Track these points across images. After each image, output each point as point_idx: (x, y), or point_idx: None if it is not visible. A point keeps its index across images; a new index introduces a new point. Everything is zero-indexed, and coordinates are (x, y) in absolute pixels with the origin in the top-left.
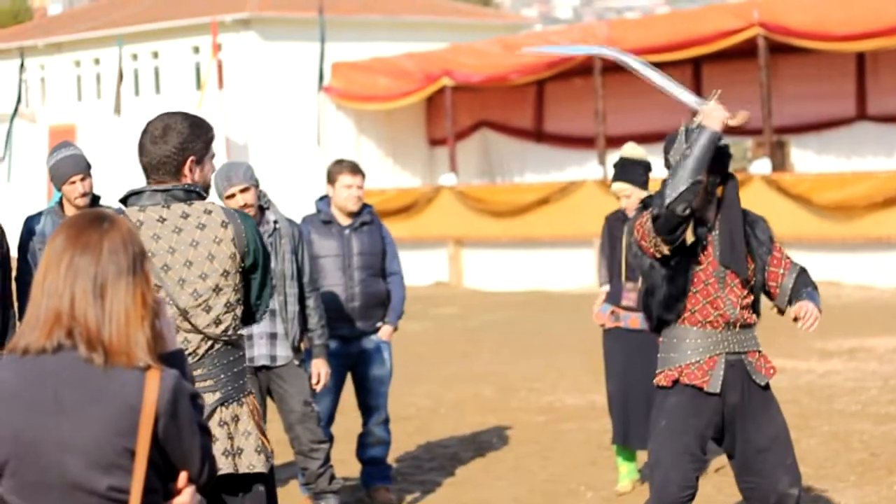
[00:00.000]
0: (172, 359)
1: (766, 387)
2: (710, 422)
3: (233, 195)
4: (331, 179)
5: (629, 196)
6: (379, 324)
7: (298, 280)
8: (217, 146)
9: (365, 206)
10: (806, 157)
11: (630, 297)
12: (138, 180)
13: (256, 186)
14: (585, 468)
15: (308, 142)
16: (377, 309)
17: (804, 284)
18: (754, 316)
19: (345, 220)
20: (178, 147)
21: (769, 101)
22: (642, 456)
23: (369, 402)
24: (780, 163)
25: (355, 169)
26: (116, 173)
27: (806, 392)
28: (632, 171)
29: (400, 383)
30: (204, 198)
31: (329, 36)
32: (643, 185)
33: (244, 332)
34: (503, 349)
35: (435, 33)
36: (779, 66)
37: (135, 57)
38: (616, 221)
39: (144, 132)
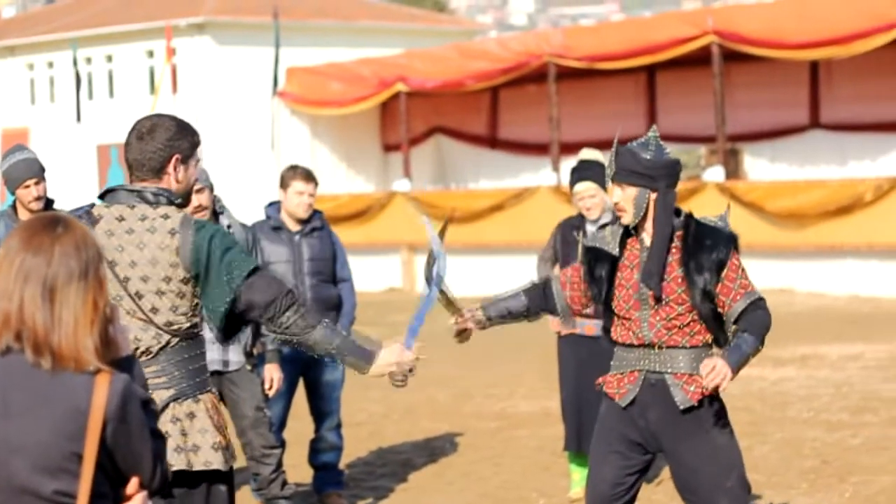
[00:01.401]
0: (124, 364)
1: (700, 406)
2: (635, 430)
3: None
4: (283, 185)
5: (594, 196)
6: None
7: None
8: None
9: (315, 211)
10: (759, 165)
11: None
12: (91, 184)
13: (211, 189)
14: (538, 474)
15: (262, 146)
16: (329, 314)
17: (743, 328)
18: (696, 338)
19: (294, 226)
20: (165, 144)
21: (723, 108)
22: None
23: (321, 408)
24: (733, 170)
25: (308, 176)
26: (70, 177)
27: (758, 399)
28: (594, 172)
29: (352, 388)
30: (174, 204)
31: (284, 41)
32: (604, 185)
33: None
34: (456, 355)
35: (390, 39)
36: (733, 74)
37: (88, 61)
38: (570, 229)
39: (132, 130)
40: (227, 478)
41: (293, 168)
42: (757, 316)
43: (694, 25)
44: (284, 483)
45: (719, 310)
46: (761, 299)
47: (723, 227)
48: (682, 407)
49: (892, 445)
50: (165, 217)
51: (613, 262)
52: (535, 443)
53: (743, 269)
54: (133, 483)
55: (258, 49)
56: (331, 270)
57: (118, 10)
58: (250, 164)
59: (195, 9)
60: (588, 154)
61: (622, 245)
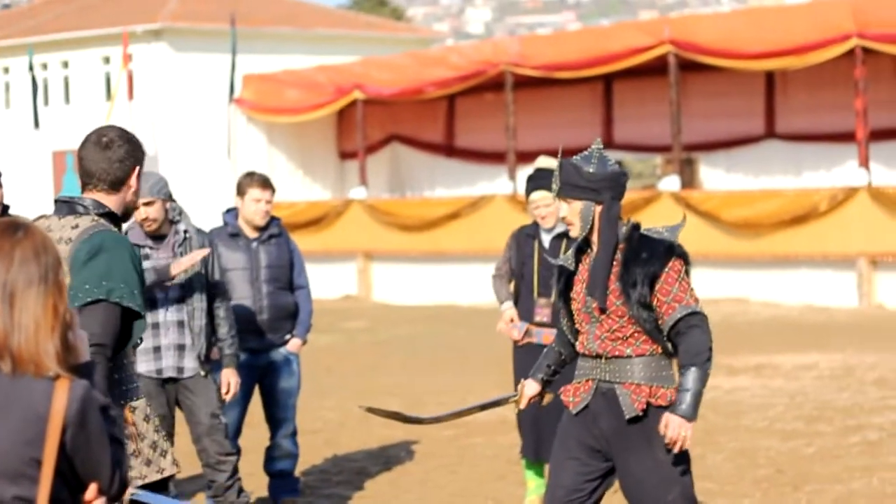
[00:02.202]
0: (83, 370)
1: (647, 416)
2: (592, 438)
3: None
4: (240, 192)
5: (549, 205)
6: (287, 336)
7: (207, 292)
8: None
9: (273, 218)
10: (715, 175)
11: (543, 312)
12: (47, 190)
13: (166, 200)
14: (493, 482)
15: (218, 154)
16: (285, 321)
17: (684, 361)
18: (641, 347)
19: (252, 233)
20: (128, 154)
21: (679, 118)
22: None
23: (277, 415)
24: (689, 180)
25: (265, 183)
26: (26, 182)
27: (712, 408)
28: (550, 180)
29: (308, 396)
30: (102, 215)
31: (241, 48)
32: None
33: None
34: (412, 363)
35: (347, 46)
36: (689, 84)
37: (45, 66)
38: (526, 238)
39: (88, 141)
40: (155, 487)
41: (250, 175)
42: (692, 340)
43: (650, 35)
44: (240, 490)
45: (658, 321)
46: (695, 314)
47: (665, 239)
48: (627, 416)
49: (845, 454)
50: (74, 227)
51: (570, 278)
52: (491, 451)
53: (682, 282)
54: (92, 489)
55: (215, 56)
56: (288, 278)
57: (75, 15)
58: (207, 171)
59: (152, 15)
60: (544, 162)
61: (578, 260)
